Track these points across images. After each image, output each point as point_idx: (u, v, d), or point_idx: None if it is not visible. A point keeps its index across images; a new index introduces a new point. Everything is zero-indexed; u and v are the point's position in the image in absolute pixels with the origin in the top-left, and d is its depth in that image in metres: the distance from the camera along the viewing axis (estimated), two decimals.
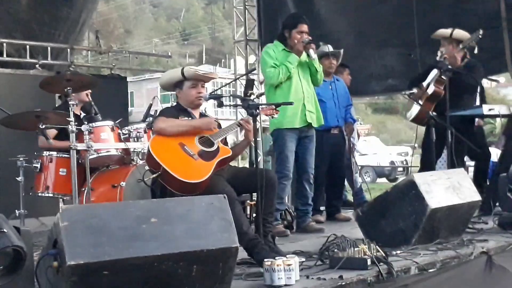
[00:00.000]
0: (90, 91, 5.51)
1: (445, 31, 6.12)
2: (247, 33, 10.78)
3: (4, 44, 8.01)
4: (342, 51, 6.42)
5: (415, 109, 6.03)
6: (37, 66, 8.38)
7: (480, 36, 5.81)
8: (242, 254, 3.79)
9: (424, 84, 6.03)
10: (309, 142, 5.57)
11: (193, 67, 4.63)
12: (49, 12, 8.85)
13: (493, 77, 7.72)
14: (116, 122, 5.29)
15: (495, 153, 7.29)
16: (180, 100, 4.53)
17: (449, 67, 5.75)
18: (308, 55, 5.46)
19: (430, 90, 5.88)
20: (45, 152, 5.24)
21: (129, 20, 42.94)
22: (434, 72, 5.93)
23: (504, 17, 7.37)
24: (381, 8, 8.54)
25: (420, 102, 5.93)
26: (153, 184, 4.30)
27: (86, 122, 5.01)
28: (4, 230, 2.97)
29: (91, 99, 5.49)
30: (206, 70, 5.22)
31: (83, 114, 5.53)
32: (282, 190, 5.34)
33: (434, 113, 5.71)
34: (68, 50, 9.15)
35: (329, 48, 6.34)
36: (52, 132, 5.21)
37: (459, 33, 6.08)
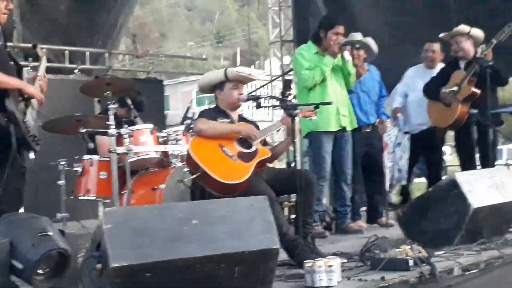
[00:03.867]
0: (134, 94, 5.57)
1: (463, 27, 6.01)
2: (282, 34, 10.77)
3: (44, 50, 8.13)
4: (370, 39, 5.94)
5: (444, 115, 5.84)
6: (76, 71, 8.50)
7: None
8: (283, 255, 3.78)
9: (445, 95, 5.87)
10: (345, 143, 5.53)
11: (234, 69, 4.65)
12: (87, 18, 8.97)
13: None
14: (154, 126, 5.33)
15: None
16: (219, 102, 4.53)
17: (490, 63, 5.62)
18: (343, 57, 5.42)
19: (466, 91, 5.70)
20: (85, 156, 5.32)
21: (164, 23, 43.29)
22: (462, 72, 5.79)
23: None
24: (417, 3, 8.44)
25: (455, 103, 5.74)
26: (192, 185, 4.33)
27: (126, 126, 5.06)
28: (50, 233, 3.02)
29: (130, 103, 5.54)
30: (246, 72, 5.23)
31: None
32: (320, 191, 5.32)
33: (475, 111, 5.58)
34: (106, 54, 9.26)
35: (356, 37, 5.91)
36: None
37: (477, 31, 5.99)
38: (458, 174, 4.37)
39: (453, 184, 4.24)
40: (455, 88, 5.86)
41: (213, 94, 4.58)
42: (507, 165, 7.96)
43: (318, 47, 5.52)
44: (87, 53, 8.82)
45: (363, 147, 5.86)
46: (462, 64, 5.94)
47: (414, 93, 6.34)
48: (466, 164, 5.92)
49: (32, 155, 3.67)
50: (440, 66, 6.39)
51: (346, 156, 5.53)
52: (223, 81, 4.49)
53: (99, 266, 2.87)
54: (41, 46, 4.31)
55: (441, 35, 6.20)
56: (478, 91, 5.65)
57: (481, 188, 4.34)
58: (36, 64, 4.11)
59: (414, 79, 6.42)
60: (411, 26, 8.35)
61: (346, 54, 5.43)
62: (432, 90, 6.03)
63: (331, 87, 5.43)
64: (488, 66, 5.53)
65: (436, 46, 6.44)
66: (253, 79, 4.88)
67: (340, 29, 5.45)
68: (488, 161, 5.52)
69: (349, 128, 5.53)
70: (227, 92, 4.49)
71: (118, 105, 5.14)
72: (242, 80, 4.55)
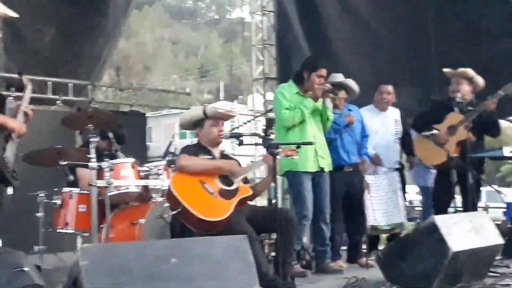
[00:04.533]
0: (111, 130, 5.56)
1: (470, 71, 6.10)
2: (265, 71, 10.86)
3: (29, 78, 8.10)
4: (351, 81, 6.01)
5: (435, 153, 5.85)
6: (58, 102, 8.47)
7: None
8: None
9: (443, 128, 5.92)
10: (323, 182, 5.53)
11: (214, 106, 4.67)
12: (71, 50, 8.96)
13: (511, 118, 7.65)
14: (136, 160, 5.30)
15: None
16: (200, 139, 4.55)
17: (470, 109, 5.69)
18: (324, 103, 5.48)
19: (461, 136, 5.73)
20: (65, 189, 5.27)
21: (148, 56, 43.50)
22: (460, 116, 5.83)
23: None
24: (399, 48, 8.56)
25: (444, 145, 5.76)
26: (172, 221, 4.31)
27: (107, 159, 5.03)
28: (25, 268, 2.98)
29: (112, 136, 5.52)
30: (225, 108, 5.25)
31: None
32: (302, 231, 5.32)
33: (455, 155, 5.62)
34: (89, 86, 9.25)
35: (337, 78, 5.97)
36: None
37: (479, 79, 6.09)
38: (437, 217, 4.38)
39: (433, 227, 4.24)
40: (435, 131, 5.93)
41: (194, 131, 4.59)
42: (486, 208, 8.04)
43: (299, 87, 5.53)
44: (70, 84, 8.80)
45: (344, 186, 5.84)
46: (454, 105, 5.97)
47: (378, 137, 6.34)
48: (439, 206, 5.95)
49: (10, 190, 3.64)
50: (391, 108, 6.45)
51: (324, 195, 5.52)
52: (202, 118, 4.51)
53: None
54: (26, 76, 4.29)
55: (444, 70, 6.24)
56: (473, 138, 5.71)
57: (460, 232, 4.34)
58: (20, 94, 4.10)
59: (373, 122, 6.32)
60: (392, 68, 8.47)
61: (328, 101, 5.49)
62: (423, 124, 6.07)
63: (310, 129, 5.46)
64: (470, 111, 5.62)
65: (391, 89, 6.45)
66: (233, 116, 4.90)
67: (324, 71, 5.49)
68: (468, 205, 5.56)
69: (326, 170, 5.54)
70: (207, 129, 4.51)
71: (100, 138, 5.12)
72: (221, 117, 4.57)
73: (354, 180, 5.89)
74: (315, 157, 5.43)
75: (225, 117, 4.63)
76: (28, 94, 4.03)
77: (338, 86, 5.87)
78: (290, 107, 5.39)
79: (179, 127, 4.81)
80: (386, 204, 6.13)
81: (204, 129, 4.53)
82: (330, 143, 5.73)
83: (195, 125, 4.58)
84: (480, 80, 6.08)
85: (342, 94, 5.92)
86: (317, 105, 5.48)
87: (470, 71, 6.07)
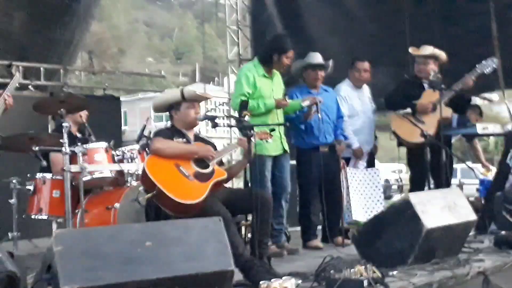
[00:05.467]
0: (86, 112, 5.50)
1: (435, 50, 6.15)
2: (241, 52, 10.82)
3: (19, 68, 7.99)
4: (331, 62, 5.98)
5: (413, 131, 5.87)
6: (30, 87, 8.34)
7: (497, 65, 5.89)
8: (238, 276, 3.76)
9: (421, 104, 5.97)
10: (286, 161, 5.56)
11: (190, 88, 4.64)
12: (42, 34, 8.84)
13: (486, 95, 7.73)
14: (110, 143, 5.25)
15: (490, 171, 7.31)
16: (175, 121, 4.51)
17: (447, 88, 5.74)
18: (301, 106, 5.51)
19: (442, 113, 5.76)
20: (38, 174, 5.21)
21: (122, 39, 43.05)
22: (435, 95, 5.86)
23: (495, 36, 7.43)
24: (373, 27, 8.59)
25: (421, 125, 5.80)
26: (147, 204, 4.29)
27: (80, 144, 4.98)
28: None
29: (85, 121, 5.47)
30: (201, 90, 5.20)
31: (79, 135, 5.51)
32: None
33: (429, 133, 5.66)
34: (61, 70, 9.12)
35: (317, 58, 5.93)
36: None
37: (443, 54, 6.14)
38: (412, 195, 4.42)
39: (407, 205, 4.29)
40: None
41: (167, 113, 4.55)
42: (460, 185, 8.14)
43: (265, 68, 5.47)
44: (42, 69, 8.68)
45: (320, 167, 5.84)
46: (425, 84, 6.02)
47: (360, 118, 6.31)
48: (417, 184, 6.02)
49: None
50: (364, 85, 6.43)
51: (287, 174, 5.55)
52: (179, 100, 4.47)
53: None
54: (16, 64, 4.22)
55: (410, 49, 6.27)
56: (453, 115, 5.79)
57: (434, 209, 4.40)
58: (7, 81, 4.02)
59: (354, 102, 6.30)
60: (368, 48, 8.49)
61: (305, 103, 5.50)
62: (399, 102, 6.12)
63: (279, 111, 5.48)
64: (444, 89, 5.68)
65: (367, 65, 6.36)
66: (209, 98, 4.87)
67: (292, 53, 5.46)
68: (441, 182, 5.62)
69: (288, 150, 5.58)
70: (183, 112, 4.47)
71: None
72: (199, 99, 4.54)
73: (329, 160, 5.89)
74: (280, 139, 5.44)
75: (202, 99, 4.60)
76: (13, 83, 3.95)
77: (319, 66, 5.87)
78: (249, 95, 5.33)
79: (153, 110, 4.75)
80: (366, 199, 6.13)
81: (181, 111, 4.49)
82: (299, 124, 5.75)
83: (170, 107, 4.52)
84: (443, 56, 6.15)
85: (321, 74, 5.91)
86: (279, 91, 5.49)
87: (435, 49, 6.13)
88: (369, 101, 6.42)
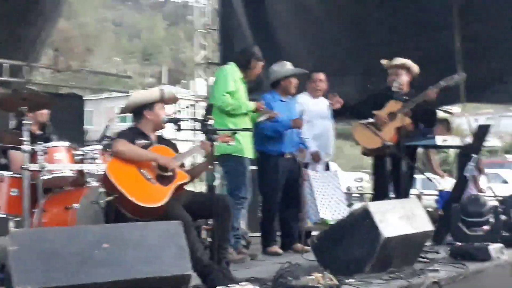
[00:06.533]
0: (48, 111, 5.43)
1: (407, 61, 6.25)
2: (208, 56, 10.83)
3: None
4: (302, 70, 6.15)
5: (372, 139, 5.96)
6: None
7: (462, 79, 6.02)
8: (196, 280, 3.76)
9: (383, 114, 6.07)
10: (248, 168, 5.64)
11: (166, 89, 4.64)
12: (7, 30, 8.70)
13: (447, 108, 7.89)
14: (72, 143, 5.20)
15: (448, 183, 7.44)
16: (143, 122, 4.45)
17: (409, 99, 5.84)
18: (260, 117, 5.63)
19: (400, 122, 5.85)
20: None
21: (90, 38, 42.56)
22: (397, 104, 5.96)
23: (458, 50, 7.58)
24: (341, 36, 8.67)
25: (380, 133, 5.89)
26: (107, 206, 4.25)
27: (40, 142, 4.91)
28: None
29: (47, 119, 5.40)
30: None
31: (41, 133, 5.43)
32: (241, 215, 5.42)
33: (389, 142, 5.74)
34: (25, 67, 9.00)
35: (286, 66, 6.06)
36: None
37: (415, 67, 6.26)
38: (371, 204, 4.48)
39: (366, 214, 4.34)
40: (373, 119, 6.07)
41: (130, 115, 4.52)
42: (419, 195, 8.26)
43: (242, 72, 5.57)
44: (6, 65, 8.54)
45: (286, 173, 5.90)
46: (393, 95, 6.09)
47: (318, 125, 6.36)
48: (378, 193, 6.11)
49: None
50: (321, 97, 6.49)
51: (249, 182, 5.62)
52: (156, 100, 4.45)
53: None
54: None
55: (382, 61, 6.36)
56: (412, 125, 5.89)
57: (393, 218, 4.45)
58: None
59: (311, 110, 6.31)
60: (335, 57, 8.57)
61: (262, 118, 5.60)
62: (362, 111, 6.22)
63: (248, 117, 5.57)
64: (407, 101, 5.77)
65: (323, 76, 6.45)
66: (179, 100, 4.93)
67: (263, 63, 5.67)
68: (400, 192, 5.71)
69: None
70: (156, 112, 4.44)
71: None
72: (175, 101, 4.57)
73: (293, 167, 5.95)
74: (252, 143, 5.52)
75: (177, 101, 4.63)
76: None
77: (291, 75, 5.97)
78: (231, 93, 5.39)
79: (124, 108, 4.64)
80: (328, 200, 6.17)
81: (154, 111, 4.45)
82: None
83: (143, 107, 4.47)
84: (415, 68, 6.27)
85: (295, 81, 6.01)
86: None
87: (406, 61, 6.24)
88: (327, 110, 6.47)
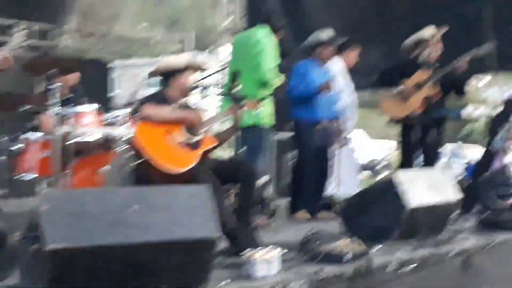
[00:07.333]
0: (78, 74, 5.46)
1: (435, 31, 6.14)
2: (235, 22, 10.74)
3: (23, 28, 7.89)
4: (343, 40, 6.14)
5: (400, 108, 5.89)
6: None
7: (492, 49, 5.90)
8: (224, 243, 3.80)
9: (411, 83, 5.98)
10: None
11: (195, 57, 4.66)
12: None
13: (478, 78, 7.77)
14: (100, 106, 5.23)
15: (478, 152, 7.37)
16: (171, 88, 4.45)
17: (438, 68, 5.76)
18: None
19: (427, 92, 5.78)
20: (28, 134, 5.18)
21: (115, 3, 42.48)
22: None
23: (487, 18, 7.41)
24: (369, 5, 8.55)
25: (408, 102, 5.83)
26: (136, 170, 4.29)
27: (70, 105, 4.95)
28: None
29: (77, 82, 5.44)
30: (200, 59, 5.19)
31: (71, 95, 5.47)
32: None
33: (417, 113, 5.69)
34: (53, 31, 9.03)
35: (329, 35, 6.01)
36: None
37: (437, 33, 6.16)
38: (397, 173, 4.46)
39: (391, 183, 4.33)
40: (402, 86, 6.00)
41: (159, 79, 4.53)
42: (448, 164, 8.19)
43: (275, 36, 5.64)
44: (34, 28, 8.58)
45: (320, 141, 5.91)
46: (421, 64, 6.02)
47: (347, 95, 6.37)
48: (405, 162, 6.07)
49: None
50: None
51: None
52: (185, 67, 4.44)
53: (35, 247, 2.82)
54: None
55: (427, 32, 6.25)
56: (439, 94, 5.81)
57: (418, 188, 4.43)
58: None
59: (342, 79, 6.36)
60: (361, 27, 8.46)
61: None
62: (390, 79, 6.15)
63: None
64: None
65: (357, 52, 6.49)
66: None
67: None
68: (429, 160, 5.67)
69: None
70: (184, 79, 4.44)
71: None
72: (203, 69, 4.56)
73: (327, 135, 5.93)
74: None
75: (206, 69, 4.64)
76: (13, 42, 3.90)
77: (330, 42, 5.90)
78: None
79: (153, 72, 4.64)
80: (343, 176, 6.17)
81: (182, 78, 4.46)
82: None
83: (172, 73, 4.46)
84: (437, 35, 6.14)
85: (332, 51, 5.98)
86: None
87: (436, 31, 6.12)
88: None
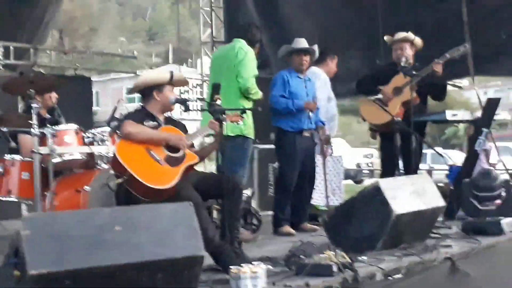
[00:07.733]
0: (56, 95, 5.44)
1: (410, 34, 6.18)
2: (214, 34, 10.76)
3: None
4: (316, 46, 5.99)
5: (379, 115, 5.91)
6: None
7: (468, 51, 5.94)
8: (208, 260, 3.77)
9: (388, 89, 6.01)
10: None
11: (178, 72, 4.63)
12: (10, 12, 8.65)
13: (456, 81, 7.81)
14: (80, 126, 5.19)
15: (459, 157, 7.41)
16: (152, 104, 4.42)
17: (415, 73, 5.78)
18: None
19: (406, 97, 5.80)
20: (7, 156, 5.13)
21: (94, 18, 42.36)
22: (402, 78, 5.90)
23: (465, 21, 7.48)
24: (346, 11, 8.60)
25: (387, 108, 5.84)
26: (118, 189, 4.25)
27: (49, 125, 4.91)
28: None
29: (55, 102, 5.40)
30: (178, 72, 5.13)
31: (49, 116, 5.43)
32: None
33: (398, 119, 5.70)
34: (31, 50, 8.98)
35: (302, 44, 5.96)
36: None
37: (418, 40, 6.19)
38: (381, 181, 4.47)
39: (377, 191, 4.33)
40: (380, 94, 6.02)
41: (138, 96, 4.51)
42: (429, 170, 8.23)
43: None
44: (11, 47, 8.52)
45: (303, 151, 5.87)
46: (399, 69, 6.03)
47: (331, 104, 6.40)
48: (386, 169, 6.08)
49: None
50: None
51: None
52: (165, 82, 4.42)
53: (17, 273, 2.78)
54: None
55: (385, 37, 6.30)
56: (418, 99, 5.84)
57: (403, 194, 4.45)
58: None
59: (327, 88, 6.40)
60: (341, 32, 8.51)
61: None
62: (368, 86, 6.17)
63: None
64: (415, 75, 5.71)
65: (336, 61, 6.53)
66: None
67: None
68: (410, 168, 5.68)
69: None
70: (165, 94, 4.41)
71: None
72: (184, 84, 4.54)
73: (310, 145, 5.93)
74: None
75: (187, 84, 4.63)
76: None
77: (304, 52, 5.88)
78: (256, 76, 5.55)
79: (133, 88, 4.60)
80: (328, 185, 6.16)
81: (163, 93, 4.41)
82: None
83: (152, 88, 4.43)
84: (418, 41, 6.20)
85: (306, 59, 5.92)
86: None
87: (409, 34, 6.17)
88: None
